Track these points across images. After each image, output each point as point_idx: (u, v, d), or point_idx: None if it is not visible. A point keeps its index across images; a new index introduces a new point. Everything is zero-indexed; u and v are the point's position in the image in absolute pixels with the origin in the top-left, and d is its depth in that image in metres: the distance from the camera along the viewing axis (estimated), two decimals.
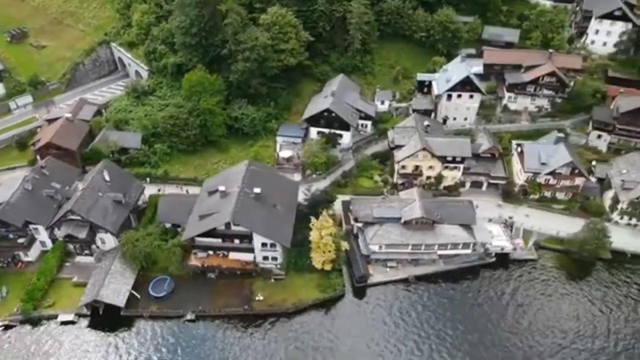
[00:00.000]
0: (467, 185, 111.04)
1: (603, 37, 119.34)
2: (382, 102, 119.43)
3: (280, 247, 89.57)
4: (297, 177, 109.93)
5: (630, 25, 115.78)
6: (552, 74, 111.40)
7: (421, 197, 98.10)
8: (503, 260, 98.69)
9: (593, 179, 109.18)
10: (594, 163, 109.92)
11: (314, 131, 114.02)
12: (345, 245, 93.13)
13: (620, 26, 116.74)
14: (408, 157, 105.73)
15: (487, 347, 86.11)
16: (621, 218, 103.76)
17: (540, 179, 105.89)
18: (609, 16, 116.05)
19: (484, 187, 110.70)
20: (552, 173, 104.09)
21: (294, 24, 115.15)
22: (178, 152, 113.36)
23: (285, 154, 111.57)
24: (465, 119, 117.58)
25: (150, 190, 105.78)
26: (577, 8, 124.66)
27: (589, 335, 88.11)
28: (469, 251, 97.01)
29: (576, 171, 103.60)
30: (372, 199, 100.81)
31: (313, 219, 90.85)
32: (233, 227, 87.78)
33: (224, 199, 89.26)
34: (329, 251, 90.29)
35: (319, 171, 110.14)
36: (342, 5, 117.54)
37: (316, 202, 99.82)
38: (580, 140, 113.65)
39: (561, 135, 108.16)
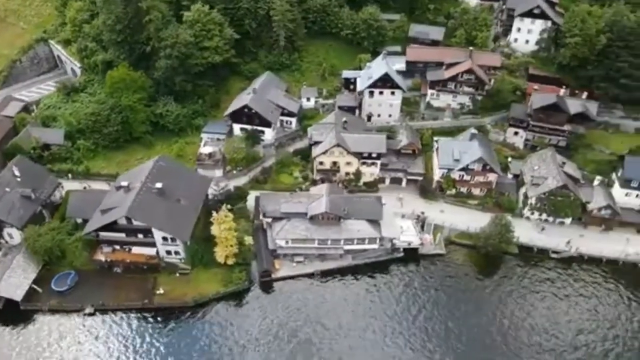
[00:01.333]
0: (387, 181, 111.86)
1: (525, 35, 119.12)
2: (308, 99, 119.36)
3: (181, 242, 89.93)
4: (218, 173, 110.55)
5: (549, 23, 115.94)
6: (470, 71, 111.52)
7: (330, 193, 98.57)
8: (412, 255, 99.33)
9: (510, 175, 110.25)
10: (509, 159, 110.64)
11: (237, 128, 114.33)
12: (249, 239, 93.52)
13: (540, 24, 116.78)
14: (323, 153, 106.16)
15: (386, 341, 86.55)
16: (532, 214, 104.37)
17: (455, 175, 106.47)
18: (529, 14, 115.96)
19: (404, 184, 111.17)
20: (465, 169, 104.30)
21: (218, 22, 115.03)
22: (103, 148, 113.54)
23: (206, 150, 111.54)
24: (390, 115, 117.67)
25: (75, 186, 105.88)
26: (503, 6, 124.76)
27: (487, 328, 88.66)
28: (375, 246, 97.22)
29: (488, 167, 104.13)
30: (281, 194, 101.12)
31: (214, 214, 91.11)
32: (134, 222, 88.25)
33: (126, 194, 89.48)
34: (231, 246, 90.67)
35: (239, 167, 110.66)
36: (266, 3, 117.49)
37: (227, 197, 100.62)
38: (499, 137, 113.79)
39: (475, 132, 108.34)
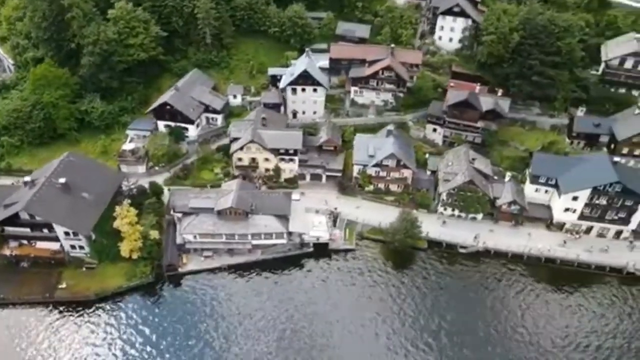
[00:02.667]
0: (308, 177, 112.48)
1: (448, 34, 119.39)
2: (235, 97, 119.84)
3: (83, 236, 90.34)
4: (140, 169, 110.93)
5: (470, 22, 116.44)
6: (389, 68, 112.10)
7: (240, 189, 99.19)
8: (323, 250, 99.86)
9: (428, 172, 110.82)
10: (427, 156, 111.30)
11: (161, 125, 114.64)
12: (155, 234, 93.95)
13: (461, 22, 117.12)
14: (239, 149, 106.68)
15: (289, 335, 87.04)
16: (445, 209, 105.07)
17: (370, 171, 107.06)
18: (450, 12, 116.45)
19: (324, 180, 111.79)
20: (379, 165, 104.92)
21: (142, 19, 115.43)
22: (28, 145, 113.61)
23: (128, 146, 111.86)
24: (315, 112, 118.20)
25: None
26: (430, 4, 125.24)
27: (389, 321, 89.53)
28: (284, 241, 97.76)
29: (401, 163, 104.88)
30: (192, 189, 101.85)
31: (117, 209, 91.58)
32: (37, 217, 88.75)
33: (30, 189, 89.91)
34: (135, 240, 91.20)
35: (161, 163, 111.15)
36: (191, 1, 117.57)
37: (141, 193, 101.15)
38: (419, 134, 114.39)
39: (391, 128, 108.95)
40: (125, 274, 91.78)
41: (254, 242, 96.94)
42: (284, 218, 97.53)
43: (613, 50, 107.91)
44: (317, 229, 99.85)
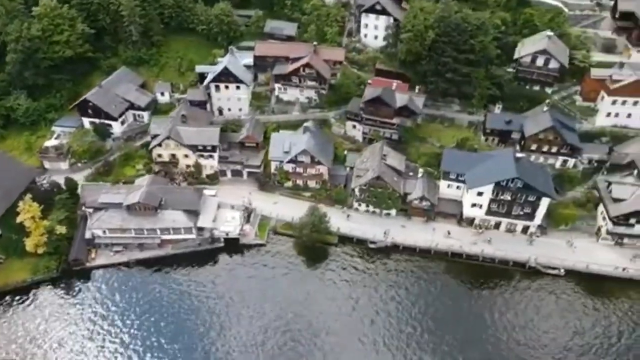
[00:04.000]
0: (229, 174, 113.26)
1: (372, 31, 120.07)
2: (162, 94, 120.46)
3: None
4: (63, 165, 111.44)
5: (391, 20, 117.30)
6: (308, 65, 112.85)
7: (152, 184, 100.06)
8: (234, 245, 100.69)
9: (348, 168, 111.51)
10: (345, 152, 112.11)
11: (86, 121, 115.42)
12: (61, 229, 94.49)
13: (384, 20, 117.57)
14: (157, 145, 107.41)
15: (189, 330, 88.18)
16: (359, 205, 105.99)
17: (287, 167, 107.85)
18: (372, 10, 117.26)
19: (245, 176, 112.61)
20: (293, 161, 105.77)
21: (67, 16, 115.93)
22: None
23: (51, 143, 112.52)
24: (240, 109, 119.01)
25: None
26: (357, 2, 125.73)
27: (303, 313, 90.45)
28: (193, 236, 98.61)
29: (316, 160, 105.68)
30: (104, 185, 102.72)
31: (20, 204, 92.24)
32: None
33: None
34: (40, 235, 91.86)
35: (84, 159, 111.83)
36: None
37: (54, 188, 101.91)
38: (340, 131, 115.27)
39: (308, 125, 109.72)
40: (31, 269, 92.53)
41: (164, 237, 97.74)
42: (193, 213, 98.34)
43: (525, 48, 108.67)
44: (228, 224, 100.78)
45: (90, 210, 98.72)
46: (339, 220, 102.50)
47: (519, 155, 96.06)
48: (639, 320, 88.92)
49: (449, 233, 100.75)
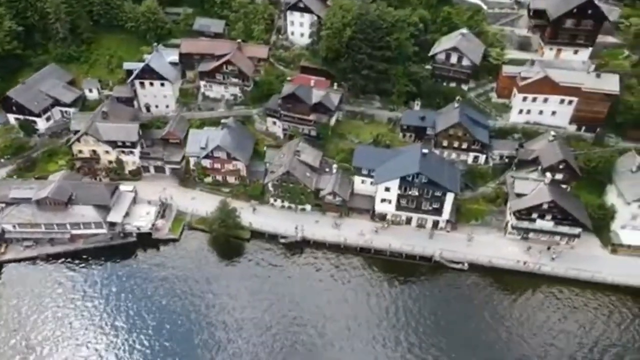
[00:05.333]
0: (152, 170, 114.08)
1: (299, 29, 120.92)
2: (91, 90, 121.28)
3: None
4: None
5: (315, 17, 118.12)
6: (230, 62, 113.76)
7: (65, 179, 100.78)
8: (147, 240, 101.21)
9: (268, 164, 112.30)
10: (265, 148, 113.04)
11: (11, 117, 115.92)
12: None
13: (308, 18, 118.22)
14: (76, 141, 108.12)
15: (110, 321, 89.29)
16: (275, 200, 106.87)
17: (205, 163, 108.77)
18: (296, 8, 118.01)
19: (167, 172, 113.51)
20: (209, 156, 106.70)
21: None
22: None
23: None
24: (167, 106, 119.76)
25: None
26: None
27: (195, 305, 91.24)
28: (104, 230, 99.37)
29: (232, 155, 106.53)
30: (14, 180, 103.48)
31: None
32: None
33: None
34: None
35: (6, 155, 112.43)
36: None
37: None
38: (262, 127, 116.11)
39: (227, 121, 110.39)
40: None
41: (74, 231, 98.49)
42: (104, 208, 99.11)
43: (439, 45, 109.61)
44: (140, 219, 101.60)
45: (3, 205, 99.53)
46: (252, 215, 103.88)
47: (424, 151, 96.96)
48: (535, 311, 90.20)
49: (376, 231, 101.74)
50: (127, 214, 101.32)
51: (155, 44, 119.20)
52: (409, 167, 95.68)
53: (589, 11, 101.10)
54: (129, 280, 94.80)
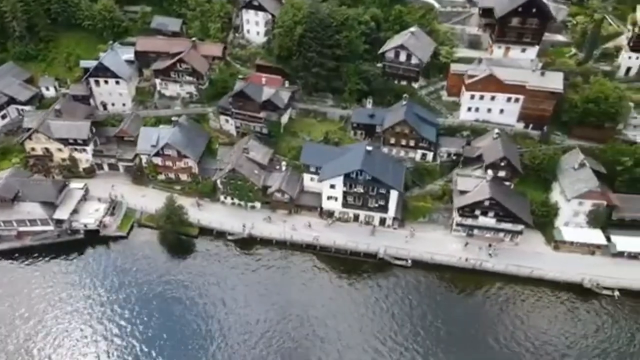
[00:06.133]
0: (106, 167, 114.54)
1: (254, 27, 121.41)
2: (48, 88, 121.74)
3: None
4: None
5: (270, 15, 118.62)
6: (183, 61, 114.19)
7: (11, 176, 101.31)
8: (95, 237, 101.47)
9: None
10: (217, 146, 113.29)
11: None
12: None
13: (262, 16, 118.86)
14: (27, 138, 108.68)
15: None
16: (225, 198, 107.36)
17: (156, 161, 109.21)
18: (251, 6, 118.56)
19: (121, 170, 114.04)
20: (161, 154, 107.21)
21: None
22: None
23: None
24: (124, 104, 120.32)
25: None
26: None
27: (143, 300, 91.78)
28: (50, 228, 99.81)
29: (182, 153, 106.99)
30: None
31: None
32: None
33: None
34: None
35: None
36: None
37: None
38: (216, 125, 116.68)
39: (178, 119, 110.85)
40: None
41: (21, 228, 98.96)
42: (50, 205, 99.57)
43: (389, 43, 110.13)
44: (88, 217, 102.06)
45: None
46: (202, 212, 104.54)
47: (369, 148, 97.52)
48: (475, 306, 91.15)
49: (309, 225, 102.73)
50: (75, 211, 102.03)
51: (111, 42, 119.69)
52: (352, 164, 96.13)
53: (534, 10, 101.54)
54: (74, 276, 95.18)
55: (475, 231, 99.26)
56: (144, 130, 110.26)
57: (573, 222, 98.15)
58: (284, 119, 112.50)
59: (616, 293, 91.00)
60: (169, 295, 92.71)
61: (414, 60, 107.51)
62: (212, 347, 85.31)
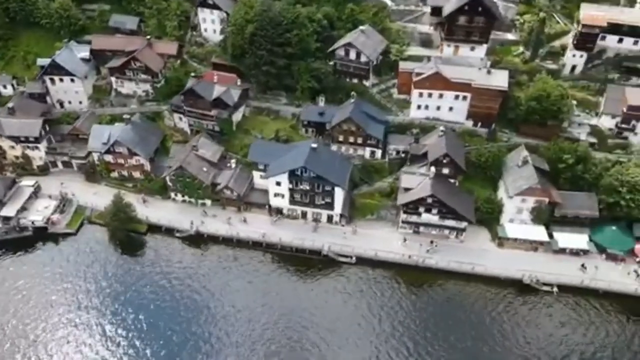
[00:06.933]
0: (60, 165, 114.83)
1: (211, 25, 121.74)
2: (5, 86, 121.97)
3: None
4: None
5: (225, 14, 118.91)
6: (136, 59, 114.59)
7: None
8: (43, 234, 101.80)
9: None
10: (170, 144, 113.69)
11: None
12: None
13: (217, 14, 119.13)
14: None
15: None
16: (176, 195, 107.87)
17: (108, 158, 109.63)
18: (205, 4, 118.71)
19: (75, 167, 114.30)
20: (110, 152, 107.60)
21: None
22: None
23: None
24: (80, 102, 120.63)
25: None
26: None
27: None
28: None
29: (132, 151, 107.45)
30: None
31: None
32: None
33: None
34: None
35: None
36: None
37: None
38: (171, 123, 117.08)
39: (132, 117, 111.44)
40: None
41: None
42: None
43: (340, 42, 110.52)
44: (37, 214, 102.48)
45: None
46: (152, 210, 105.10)
47: (313, 145, 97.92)
48: (417, 302, 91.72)
49: (244, 220, 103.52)
50: (24, 209, 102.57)
51: (66, 40, 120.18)
52: (296, 161, 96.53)
53: (479, 8, 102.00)
54: (20, 272, 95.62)
55: (421, 228, 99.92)
56: (96, 128, 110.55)
57: (517, 219, 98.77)
58: (237, 116, 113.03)
59: (555, 289, 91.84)
60: (114, 291, 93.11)
61: (363, 59, 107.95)
62: (155, 344, 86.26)
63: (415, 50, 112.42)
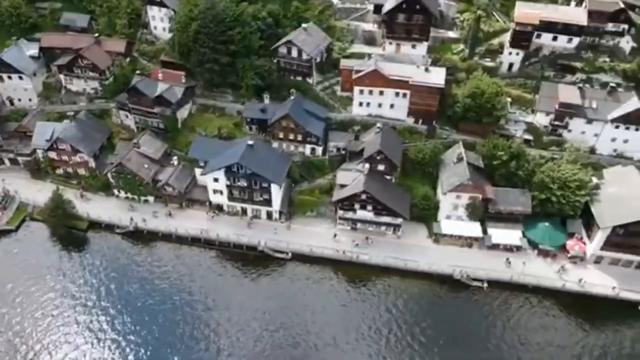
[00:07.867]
0: (7, 162, 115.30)
1: (160, 23, 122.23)
2: None
3: None
4: None
5: (172, 12, 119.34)
6: (82, 57, 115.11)
7: None
8: None
9: None
10: (116, 141, 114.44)
11: None
12: None
13: (165, 12, 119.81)
14: None
15: None
16: (119, 191, 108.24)
17: (53, 155, 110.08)
18: (153, 2, 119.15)
19: (21, 164, 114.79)
20: (55, 149, 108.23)
21: None
22: None
23: None
24: (30, 99, 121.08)
25: None
26: None
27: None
28: None
29: (76, 148, 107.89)
30: None
31: None
32: None
33: None
34: None
35: None
36: None
37: None
38: (118, 120, 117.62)
39: (71, 113, 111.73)
40: None
41: None
42: None
43: (282, 39, 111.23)
44: None
45: None
46: (92, 206, 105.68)
47: (250, 142, 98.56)
48: (350, 297, 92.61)
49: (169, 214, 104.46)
50: None
51: (15, 38, 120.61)
52: (232, 158, 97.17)
53: (417, 7, 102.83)
54: None
55: (358, 224, 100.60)
56: (40, 125, 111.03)
57: (454, 216, 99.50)
58: (182, 114, 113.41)
59: (485, 285, 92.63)
60: (54, 286, 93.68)
61: (304, 56, 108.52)
62: (103, 338, 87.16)
63: (359, 48, 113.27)
